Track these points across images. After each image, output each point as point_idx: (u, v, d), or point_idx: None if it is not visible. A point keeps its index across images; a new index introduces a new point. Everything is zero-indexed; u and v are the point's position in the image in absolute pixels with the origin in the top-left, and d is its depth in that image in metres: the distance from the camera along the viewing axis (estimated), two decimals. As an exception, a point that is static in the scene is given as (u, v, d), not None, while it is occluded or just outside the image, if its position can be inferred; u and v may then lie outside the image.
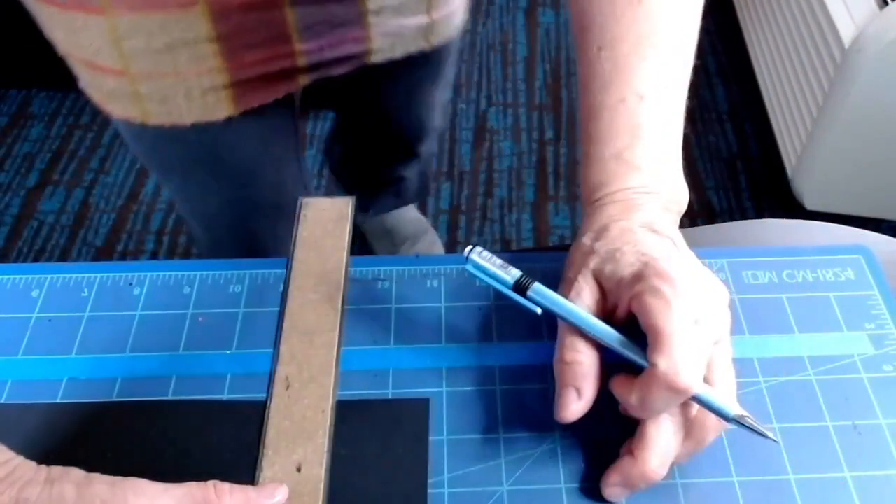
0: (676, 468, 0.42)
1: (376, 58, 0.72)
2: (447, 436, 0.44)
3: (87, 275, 0.52)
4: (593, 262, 0.43)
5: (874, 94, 1.30)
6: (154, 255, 1.50)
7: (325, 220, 0.53)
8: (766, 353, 0.48)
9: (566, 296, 0.43)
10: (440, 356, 0.48)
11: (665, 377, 0.37)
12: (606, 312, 0.43)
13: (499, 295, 0.46)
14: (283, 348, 0.47)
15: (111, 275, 0.52)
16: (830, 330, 0.49)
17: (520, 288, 0.43)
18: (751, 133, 1.72)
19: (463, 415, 0.45)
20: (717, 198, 1.59)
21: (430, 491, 0.42)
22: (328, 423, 0.43)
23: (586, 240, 0.45)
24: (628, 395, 0.40)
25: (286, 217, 0.83)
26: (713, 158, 1.66)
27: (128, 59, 0.62)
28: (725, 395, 0.40)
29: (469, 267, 0.44)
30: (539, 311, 0.43)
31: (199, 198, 0.80)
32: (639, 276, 0.40)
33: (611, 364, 0.42)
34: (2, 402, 0.45)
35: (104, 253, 1.50)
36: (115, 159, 1.68)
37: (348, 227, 0.53)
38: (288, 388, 0.45)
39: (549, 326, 0.48)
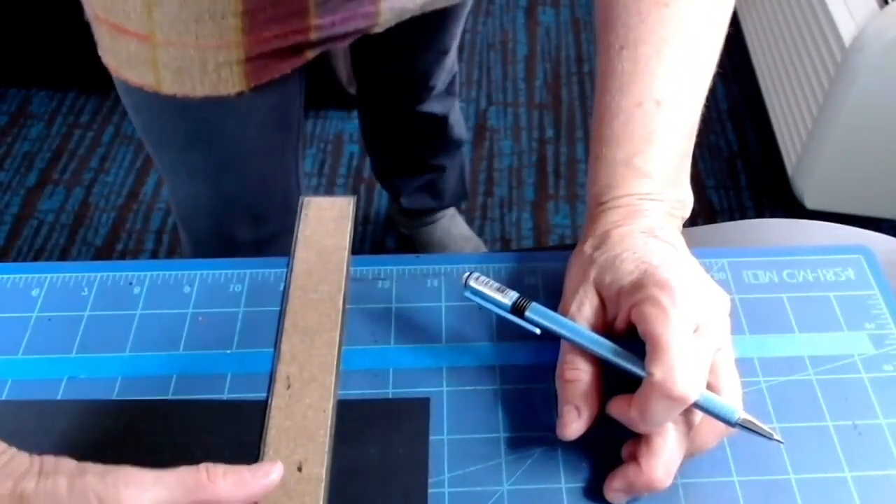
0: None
1: (378, 30, 0.73)
2: (447, 436, 0.44)
3: (87, 274, 0.51)
4: (593, 273, 0.43)
5: (874, 94, 1.30)
6: (154, 255, 1.50)
7: (327, 220, 0.53)
8: (767, 352, 0.48)
9: (567, 308, 0.43)
10: (440, 356, 0.48)
11: (662, 386, 0.37)
12: (608, 322, 0.43)
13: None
14: (284, 348, 0.47)
15: (111, 274, 0.52)
16: (831, 330, 0.49)
17: (517, 310, 0.44)
18: (751, 132, 1.72)
19: (463, 415, 0.45)
20: (717, 197, 1.59)
21: (430, 491, 0.42)
22: (329, 422, 0.43)
23: (587, 248, 0.45)
24: (627, 412, 0.39)
25: (269, 221, 0.84)
26: (713, 157, 1.66)
27: (155, 25, 0.64)
28: (731, 400, 0.40)
29: (468, 293, 0.45)
30: (538, 331, 0.43)
31: (188, 179, 0.80)
32: (637, 286, 0.40)
33: (611, 382, 0.42)
34: (1, 399, 0.45)
35: (104, 252, 1.50)
36: (115, 159, 1.68)
37: (349, 226, 0.53)
38: (289, 387, 0.45)
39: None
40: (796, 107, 1.49)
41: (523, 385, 0.46)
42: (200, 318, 0.49)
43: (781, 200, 1.57)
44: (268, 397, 0.45)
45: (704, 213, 1.54)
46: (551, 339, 0.44)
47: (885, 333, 0.49)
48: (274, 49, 0.67)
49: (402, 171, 1.31)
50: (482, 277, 0.45)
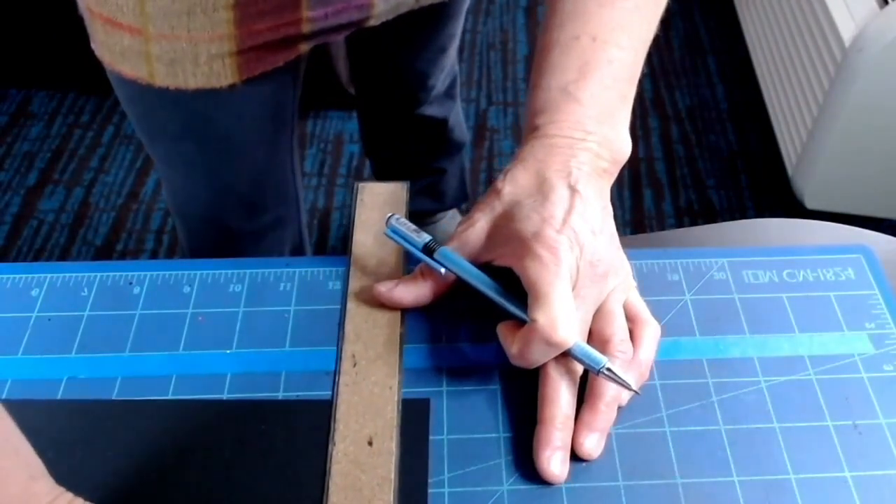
0: (677, 467, 0.42)
1: (374, 22, 0.73)
2: (447, 436, 0.44)
3: (86, 274, 0.52)
4: (495, 208, 0.47)
5: (874, 94, 1.30)
6: (154, 255, 1.50)
7: (382, 204, 0.55)
8: (767, 352, 0.48)
9: (462, 229, 0.48)
10: (440, 356, 0.48)
11: (543, 331, 0.41)
12: (490, 255, 0.47)
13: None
14: (349, 327, 0.48)
15: (111, 274, 0.52)
16: (831, 329, 0.49)
17: (428, 250, 0.48)
18: (751, 132, 1.72)
19: (463, 415, 0.45)
20: (717, 197, 1.59)
21: (430, 491, 0.42)
22: (396, 398, 0.44)
23: (501, 178, 0.48)
24: (510, 345, 0.44)
25: (265, 211, 0.84)
26: (713, 157, 1.66)
27: (148, 19, 0.64)
28: (604, 352, 0.43)
29: (388, 231, 0.49)
30: (443, 270, 0.47)
31: (182, 169, 0.81)
32: (530, 241, 0.44)
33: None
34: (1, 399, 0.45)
35: (104, 252, 1.50)
36: (115, 159, 1.68)
37: (404, 210, 0.54)
38: (355, 365, 0.46)
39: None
40: (796, 107, 1.49)
41: (523, 385, 0.46)
42: (200, 318, 0.49)
43: (781, 200, 1.57)
44: (335, 374, 0.46)
45: (704, 212, 1.53)
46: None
47: (885, 333, 0.49)
48: (266, 42, 0.67)
49: (401, 174, 1.31)
50: (402, 219, 0.49)
